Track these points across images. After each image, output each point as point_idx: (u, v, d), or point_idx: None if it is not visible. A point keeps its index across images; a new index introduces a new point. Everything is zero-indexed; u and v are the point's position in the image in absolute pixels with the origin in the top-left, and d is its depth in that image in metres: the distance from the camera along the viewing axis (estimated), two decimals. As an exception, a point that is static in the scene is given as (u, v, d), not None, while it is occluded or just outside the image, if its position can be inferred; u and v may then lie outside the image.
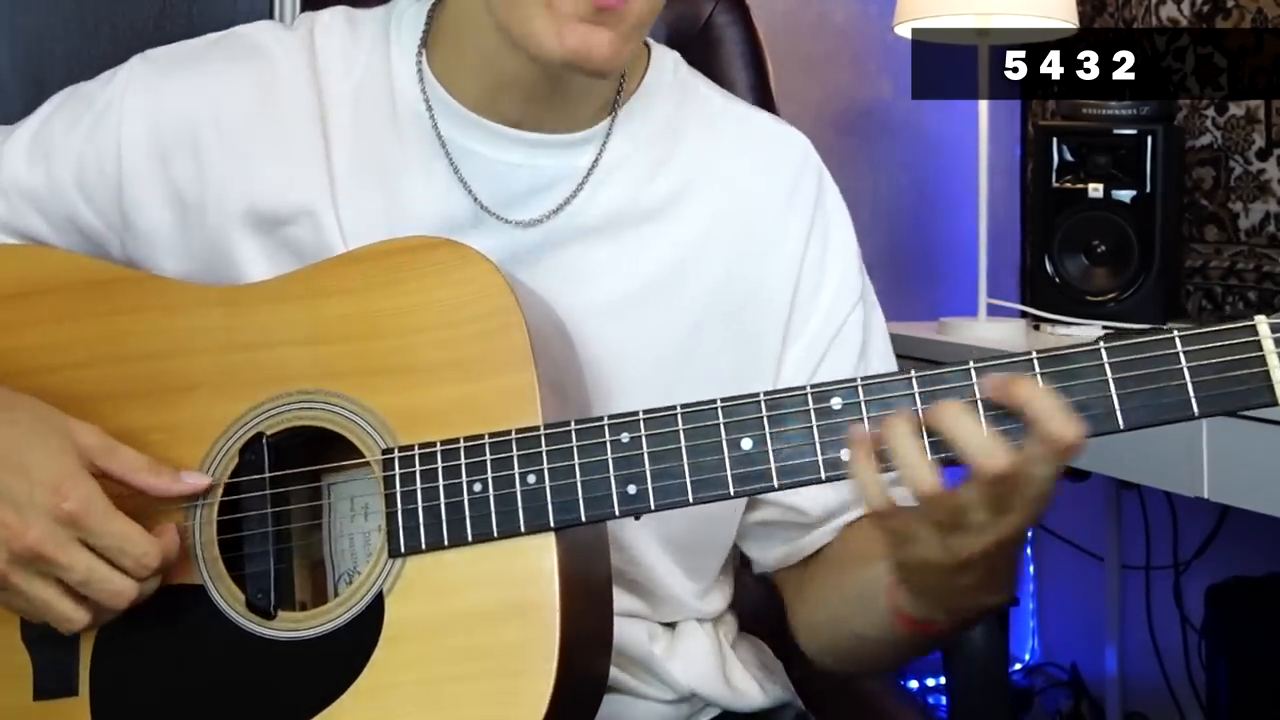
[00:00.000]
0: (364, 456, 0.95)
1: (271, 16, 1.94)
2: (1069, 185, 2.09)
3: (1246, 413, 1.50)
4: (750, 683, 1.13)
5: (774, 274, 1.08)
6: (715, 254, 1.07)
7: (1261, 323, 0.83)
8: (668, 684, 1.09)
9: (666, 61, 1.11)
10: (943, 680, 1.87)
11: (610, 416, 0.91)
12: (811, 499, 1.07)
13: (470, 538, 0.91)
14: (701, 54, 1.42)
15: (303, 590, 0.99)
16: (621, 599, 1.02)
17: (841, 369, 1.08)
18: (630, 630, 1.06)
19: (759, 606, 1.18)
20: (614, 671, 1.03)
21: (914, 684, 2.31)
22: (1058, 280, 2.10)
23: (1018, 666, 2.57)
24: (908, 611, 0.94)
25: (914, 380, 0.87)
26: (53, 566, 0.90)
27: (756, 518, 1.10)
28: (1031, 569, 2.59)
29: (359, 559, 0.99)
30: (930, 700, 2.21)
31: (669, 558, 1.08)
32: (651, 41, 1.12)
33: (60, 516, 0.90)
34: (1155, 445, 1.52)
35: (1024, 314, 2.22)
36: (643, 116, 1.07)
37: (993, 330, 2.12)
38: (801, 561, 1.11)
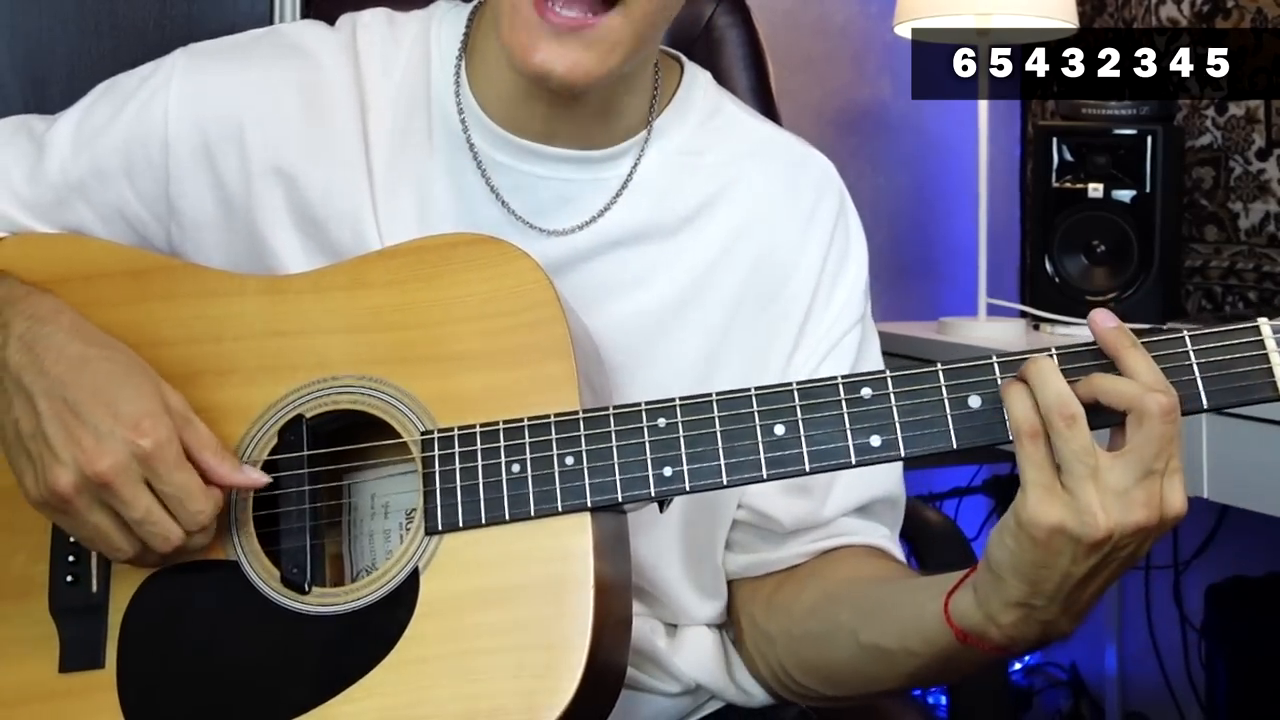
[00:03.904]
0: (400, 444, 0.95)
1: (272, 17, 1.94)
2: (1069, 185, 2.09)
3: (1246, 413, 1.52)
4: (752, 681, 1.13)
5: (793, 289, 1.09)
6: (737, 265, 1.08)
7: (1264, 324, 0.87)
8: (673, 676, 1.10)
9: (699, 79, 1.13)
10: (944, 680, 1.86)
11: (647, 402, 0.93)
12: (784, 509, 1.08)
13: (507, 516, 0.92)
14: (703, 55, 1.42)
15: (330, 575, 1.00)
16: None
17: None
18: (635, 626, 1.06)
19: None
20: None
21: (914, 684, 2.31)
22: (1057, 280, 2.10)
23: (1017, 666, 2.56)
24: (968, 618, 0.90)
25: (940, 373, 0.91)
26: (115, 499, 0.91)
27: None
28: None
29: (377, 556, 0.99)
30: (930, 700, 2.21)
31: (681, 568, 1.09)
32: (685, 60, 1.13)
33: (136, 453, 0.91)
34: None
35: (1024, 314, 2.22)
36: (674, 132, 1.09)
37: (992, 330, 2.13)
38: (767, 575, 1.10)
